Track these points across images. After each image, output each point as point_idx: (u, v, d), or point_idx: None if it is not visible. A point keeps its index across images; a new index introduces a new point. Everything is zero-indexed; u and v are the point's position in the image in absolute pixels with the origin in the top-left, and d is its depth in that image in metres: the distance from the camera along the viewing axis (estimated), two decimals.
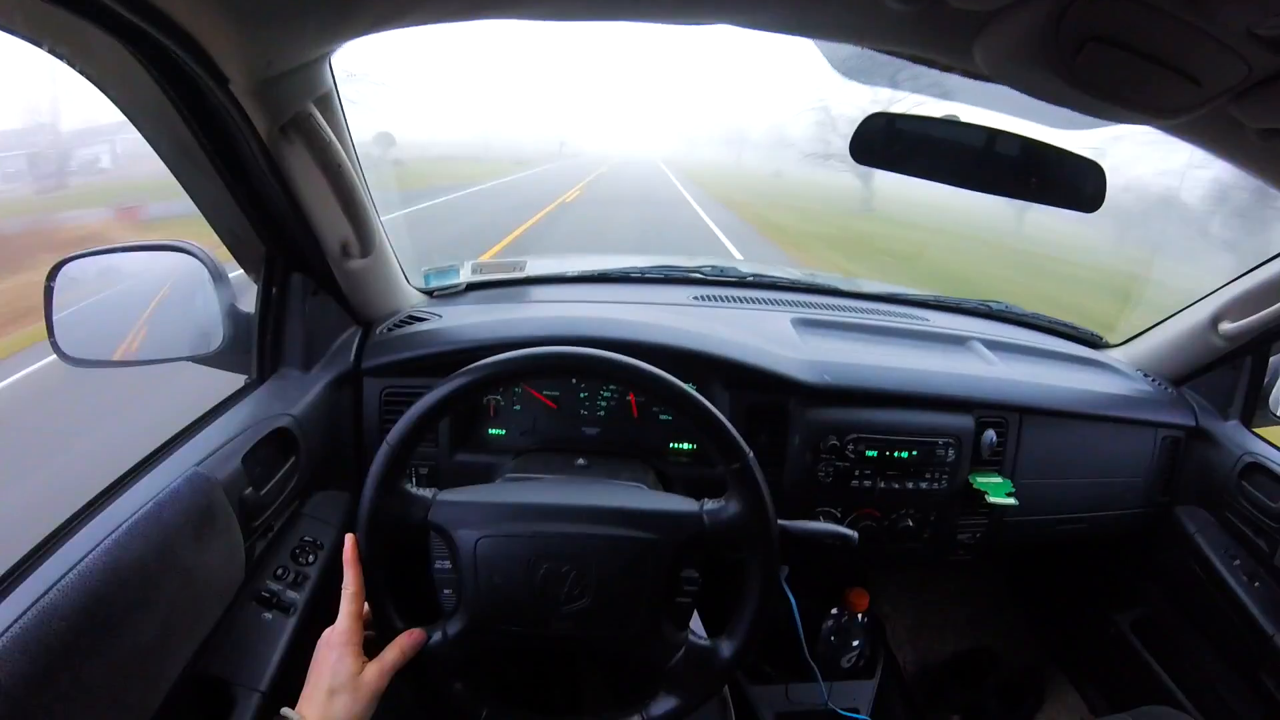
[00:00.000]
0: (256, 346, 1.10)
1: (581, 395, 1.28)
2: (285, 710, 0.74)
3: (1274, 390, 1.47)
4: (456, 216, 13.02)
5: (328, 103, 0.95)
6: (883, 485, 1.31)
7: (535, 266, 1.60)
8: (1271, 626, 1.31)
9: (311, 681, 0.77)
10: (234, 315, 1.08)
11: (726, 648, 0.87)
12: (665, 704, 0.87)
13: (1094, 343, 1.77)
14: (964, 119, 0.88)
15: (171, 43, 0.70)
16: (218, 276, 1.05)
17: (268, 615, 0.93)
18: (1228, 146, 0.88)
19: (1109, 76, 0.63)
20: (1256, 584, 1.38)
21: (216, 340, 1.07)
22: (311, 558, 1.03)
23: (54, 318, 0.96)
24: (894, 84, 0.87)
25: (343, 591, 0.81)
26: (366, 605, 0.82)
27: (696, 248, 10.83)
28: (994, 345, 1.55)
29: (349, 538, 0.81)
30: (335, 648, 0.78)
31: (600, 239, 11.67)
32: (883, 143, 0.89)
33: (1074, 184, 0.92)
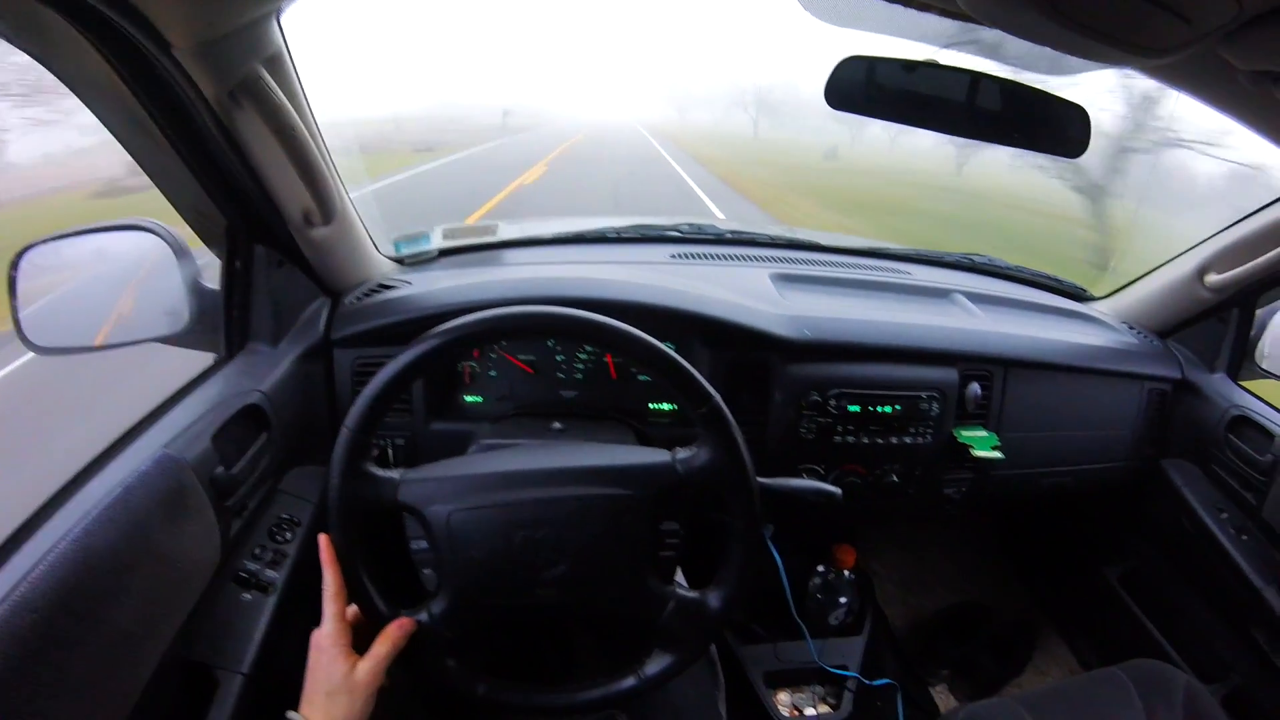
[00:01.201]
0: (223, 323, 1.08)
1: (558, 358, 1.26)
2: (291, 714, 0.74)
3: (1260, 343, 1.47)
4: None
5: (278, 63, 0.91)
6: (866, 441, 1.30)
7: (509, 230, 1.57)
8: (1260, 580, 1.32)
9: (309, 684, 0.77)
10: (199, 292, 1.05)
11: (715, 598, 0.86)
12: (660, 662, 0.86)
13: (1078, 295, 1.77)
14: (944, 63, 0.85)
15: (110, 10, 0.68)
16: (180, 253, 1.02)
17: (247, 596, 0.92)
18: (1216, 92, 0.86)
19: (1095, 12, 0.60)
20: (1244, 537, 1.38)
21: (183, 319, 1.04)
22: (289, 535, 1.01)
23: (19, 308, 0.92)
24: (871, 26, 0.84)
25: (324, 592, 0.80)
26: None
27: None
28: (977, 298, 1.54)
29: (322, 537, 0.80)
30: (325, 650, 0.77)
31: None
32: (859, 88, 0.87)
33: (1058, 129, 0.91)
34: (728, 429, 0.82)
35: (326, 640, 0.78)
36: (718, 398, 0.82)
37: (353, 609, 0.82)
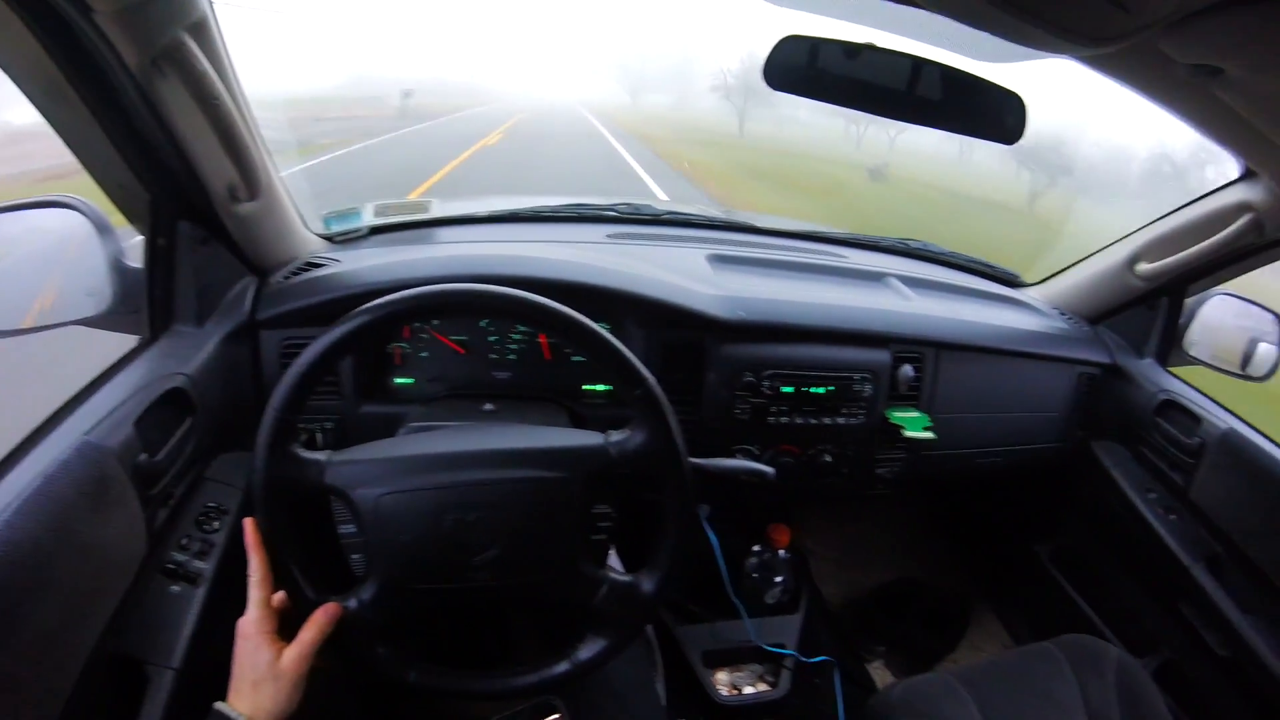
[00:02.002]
0: (146, 303, 1.03)
1: (491, 339, 1.24)
2: (218, 705, 0.72)
3: (1190, 330, 1.50)
4: None
5: (203, 30, 0.88)
6: (800, 421, 1.31)
7: (443, 208, 1.54)
8: (1188, 558, 1.35)
9: (236, 673, 0.75)
10: (122, 271, 1.01)
11: (648, 581, 0.86)
12: (593, 646, 0.86)
13: (1011, 281, 1.79)
14: (885, 46, 0.84)
15: None
16: (103, 230, 0.98)
17: (175, 588, 0.89)
18: (1155, 84, 0.87)
19: None
20: (1173, 516, 1.42)
21: (106, 300, 1.00)
22: (217, 524, 0.98)
23: None
24: (813, 8, 0.82)
25: (249, 578, 0.78)
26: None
27: None
28: (911, 282, 1.56)
29: (247, 522, 0.78)
30: (250, 638, 0.76)
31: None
32: (800, 69, 0.86)
33: (995, 115, 0.91)
34: (661, 411, 0.82)
35: (251, 628, 0.76)
36: (652, 380, 0.82)
37: (280, 595, 0.80)
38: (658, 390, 0.82)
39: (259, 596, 0.77)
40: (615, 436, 0.85)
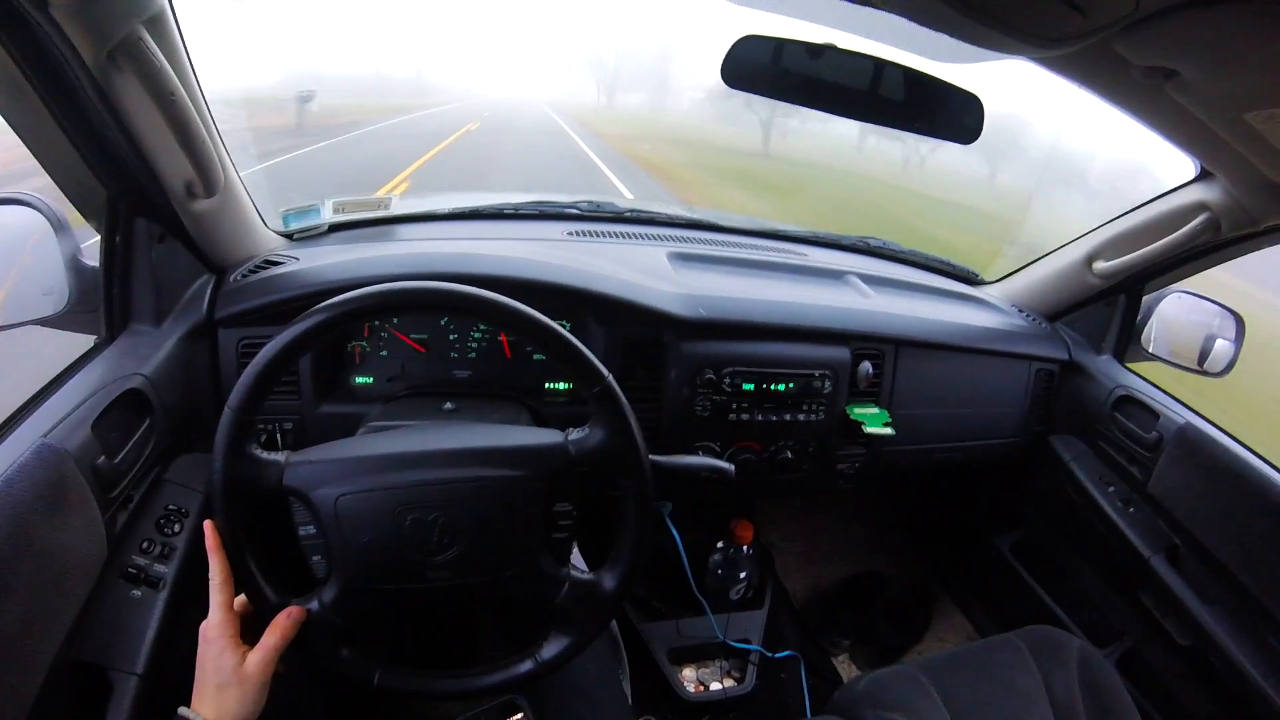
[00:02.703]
0: (103, 302, 1.02)
1: (451, 337, 1.23)
2: (183, 710, 0.72)
3: (1147, 327, 1.53)
4: None
5: (161, 24, 0.87)
6: (760, 418, 1.31)
7: (403, 205, 1.52)
8: (1147, 549, 1.38)
9: (199, 677, 0.75)
10: (79, 270, 1.00)
11: (609, 579, 0.86)
12: (557, 644, 0.87)
13: (970, 279, 1.82)
14: (845, 47, 0.84)
15: None
16: (59, 228, 0.97)
17: (136, 592, 0.88)
18: (1110, 85, 0.88)
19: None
20: (1131, 509, 1.44)
21: (63, 299, 0.98)
22: (177, 527, 0.97)
23: None
24: (774, 8, 0.82)
25: (210, 581, 0.77)
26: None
27: None
28: (871, 280, 1.57)
29: (207, 524, 0.77)
30: (213, 642, 0.75)
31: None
32: (761, 69, 0.86)
33: (953, 116, 0.93)
34: (620, 409, 0.82)
35: (214, 631, 0.75)
36: (610, 377, 0.82)
37: (242, 598, 0.79)
38: (615, 387, 0.82)
39: (221, 599, 0.76)
40: (574, 434, 0.85)
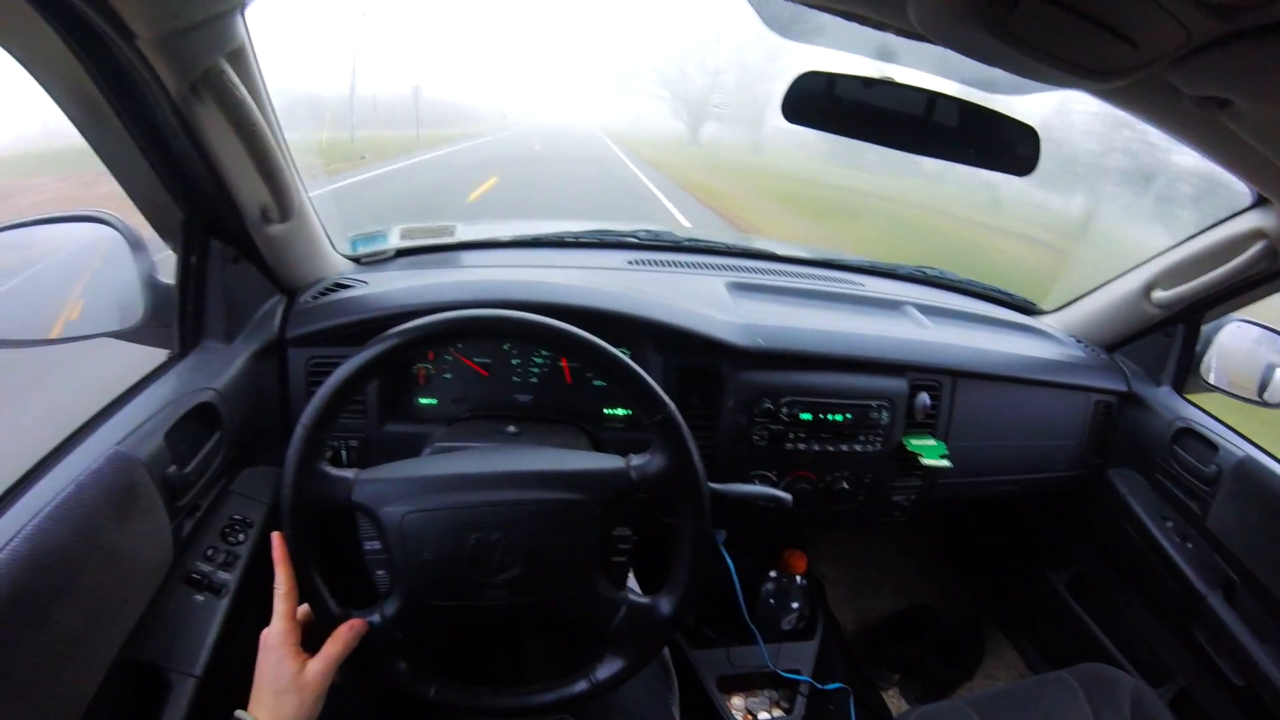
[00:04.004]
0: (177, 318, 1.06)
1: (513, 361, 1.26)
2: (239, 713, 0.74)
3: (1206, 357, 1.50)
4: None
5: (241, 58, 0.91)
6: (817, 448, 1.31)
7: (467, 232, 1.56)
8: (1204, 586, 1.35)
9: (258, 683, 0.77)
10: (154, 287, 1.03)
11: (665, 604, 0.87)
12: (611, 666, 0.87)
13: (1028, 309, 1.80)
14: (899, 80, 0.86)
15: None
16: (136, 246, 1.00)
17: (199, 598, 0.90)
18: (1163, 114, 0.88)
19: (1045, 35, 0.61)
20: (1189, 544, 1.41)
21: (138, 314, 1.02)
22: (241, 536, 1.00)
23: None
24: (826, 42, 0.84)
25: (275, 591, 0.79)
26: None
27: None
28: (928, 310, 1.56)
29: (275, 536, 0.80)
30: (273, 650, 0.77)
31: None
32: (816, 103, 0.88)
33: (1009, 147, 0.93)
34: (681, 437, 0.83)
35: (275, 639, 0.77)
36: (672, 406, 0.83)
37: (304, 609, 0.82)
38: (677, 416, 0.83)
39: (284, 609, 0.79)
40: (636, 460, 0.86)
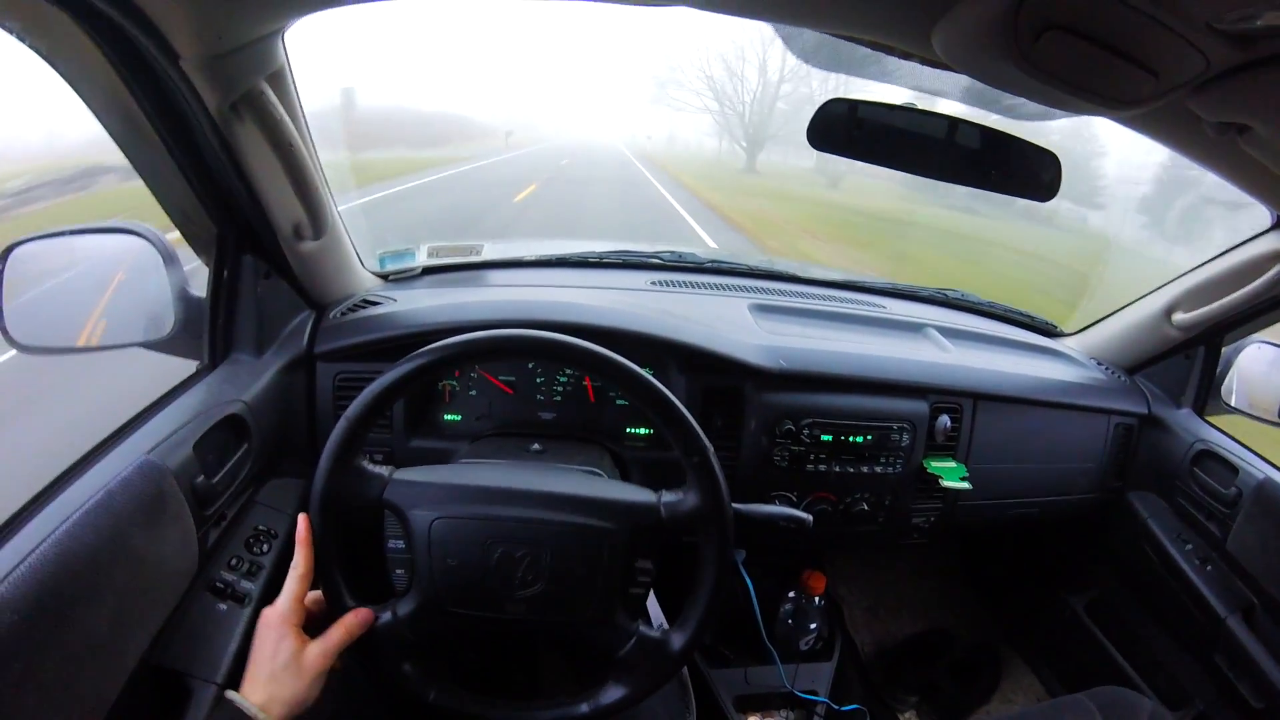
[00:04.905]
0: (208, 330, 1.08)
1: (538, 380, 1.27)
2: (230, 693, 0.74)
3: (1228, 379, 1.50)
4: None
5: (280, 80, 0.94)
6: (838, 469, 1.32)
7: (493, 250, 1.58)
8: (1224, 609, 1.34)
9: (254, 662, 0.77)
10: (186, 299, 1.06)
11: (677, 639, 0.87)
12: (615, 693, 0.88)
13: (1049, 331, 1.80)
14: (922, 107, 0.87)
15: (122, 17, 0.70)
16: (169, 259, 1.03)
17: (222, 606, 0.91)
18: (1184, 140, 0.89)
19: (1067, 66, 0.63)
20: (1209, 567, 1.41)
21: (169, 325, 1.04)
22: (266, 547, 1.01)
23: (3, 304, 0.92)
24: (853, 71, 0.86)
25: (290, 571, 0.81)
26: (315, 587, 0.82)
27: None
28: (949, 332, 1.57)
29: (302, 517, 0.82)
30: (274, 628, 0.78)
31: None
32: (841, 129, 0.90)
33: (1031, 173, 0.94)
34: (716, 481, 0.84)
35: (277, 618, 0.78)
36: (711, 450, 0.84)
37: (313, 595, 0.83)
38: (715, 460, 0.84)
39: (295, 590, 0.80)
40: (668, 497, 0.87)
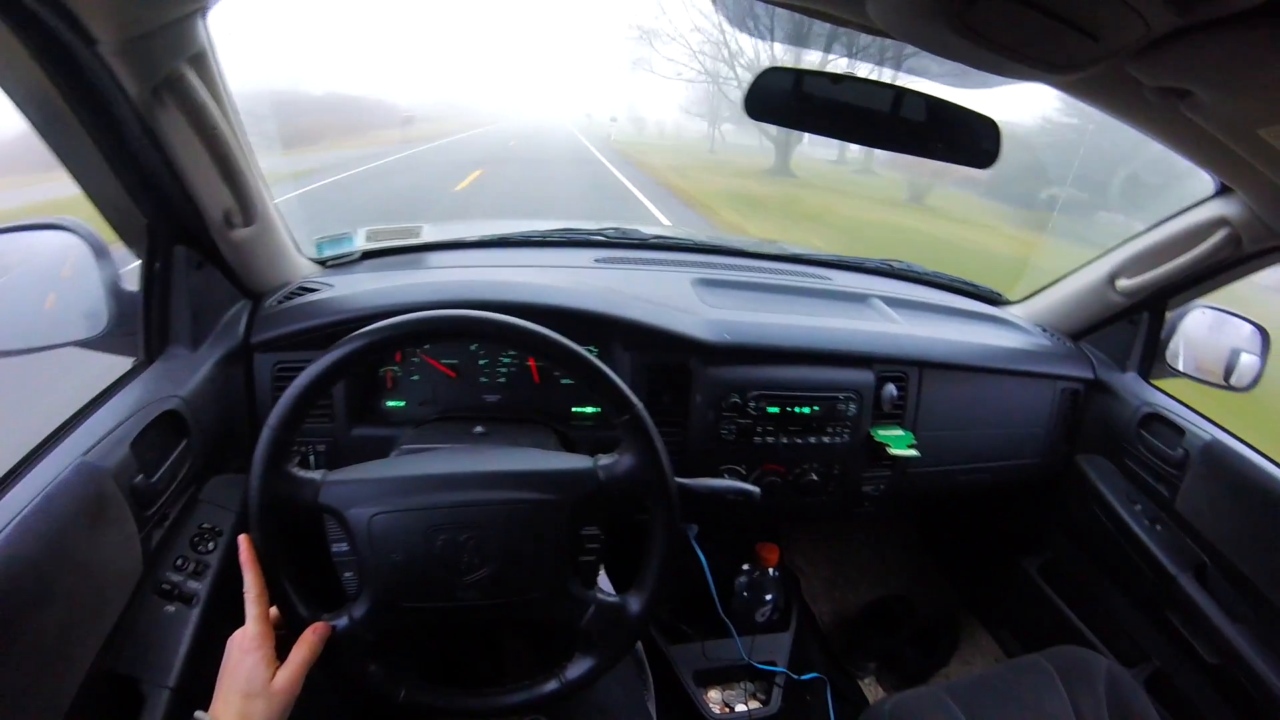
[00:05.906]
0: (142, 325, 1.04)
1: (481, 362, 1.25)
2: (199, 714, 0.72)
3: (1172, 343, 1.52)
4: None
5: (203, 62, 0.90)
6: (785, 441, 1.32)
7: (434, 232, 1.56)
8: (1174, 567, 1.37)
9: (225, 684, 0.75)
10: (118, 294, 1.02)
11: (635, 602, 0.87)
12: (581, 665, 0.87)
13: (994, 300, 1.82)
14: (862, 75, 0.86)
15: (34, 3, 0.68)
16: (100, 253, 0.99)
17: (170, 608, 0.90)
18: (1125, 106, 0.89)
19: (1003, 30, 0.62)
20: (1158, 527, 1.44)
21: (103, 322, 1.00)
22: (211, 545, 0.99)
23: None
24: (790, 40, 0.84)
25: (245, 594, 0.78)
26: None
27: None
28: (895, 302, 1.58)
29: (242, 538, 0.79)
30: (248, 653, 0.76)
31: None
32: (780, 99, 0.88)
33: (972, 140, 0.93)
34: (648, 437, 0.83)
35: (251, 643, 0.76)
36: (640, 406, 0.83)
37: (274, 612, 0.81)
38: (645, 415, 0.83)
39: (257, 612, 0.78)
40: (604, 460, 0.86)
